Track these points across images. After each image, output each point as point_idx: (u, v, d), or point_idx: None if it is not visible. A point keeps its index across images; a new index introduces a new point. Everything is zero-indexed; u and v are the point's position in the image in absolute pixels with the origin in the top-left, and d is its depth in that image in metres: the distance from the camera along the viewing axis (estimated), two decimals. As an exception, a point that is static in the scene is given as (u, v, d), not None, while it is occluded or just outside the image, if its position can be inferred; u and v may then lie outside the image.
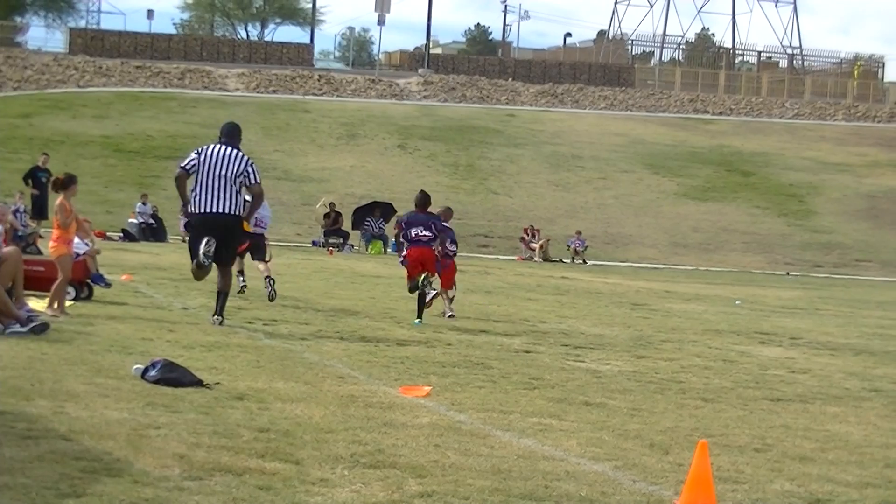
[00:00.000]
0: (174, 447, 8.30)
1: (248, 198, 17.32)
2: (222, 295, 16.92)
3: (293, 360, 13.15)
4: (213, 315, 16.70)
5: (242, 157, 16.87)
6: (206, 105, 72.14)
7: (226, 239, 16.74)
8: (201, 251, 16.43)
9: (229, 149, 16.84)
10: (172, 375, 10.86)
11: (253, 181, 16.85)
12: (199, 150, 17.05)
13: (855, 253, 59.35)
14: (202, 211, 16.68)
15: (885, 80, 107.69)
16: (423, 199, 19.82)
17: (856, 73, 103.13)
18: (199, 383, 10.84)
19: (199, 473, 7.63)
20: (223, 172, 16.59)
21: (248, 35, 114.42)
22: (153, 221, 45.03)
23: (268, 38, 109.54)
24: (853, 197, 67.93)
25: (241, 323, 16.63)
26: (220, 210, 16.61)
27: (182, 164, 17.03)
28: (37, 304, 16.38)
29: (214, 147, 16.88)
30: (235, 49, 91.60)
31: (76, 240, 18.72)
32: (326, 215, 48.56)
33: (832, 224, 63.31)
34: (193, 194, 16.77)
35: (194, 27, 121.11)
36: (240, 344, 14.15)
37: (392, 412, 10.25)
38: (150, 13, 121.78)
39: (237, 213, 16.82)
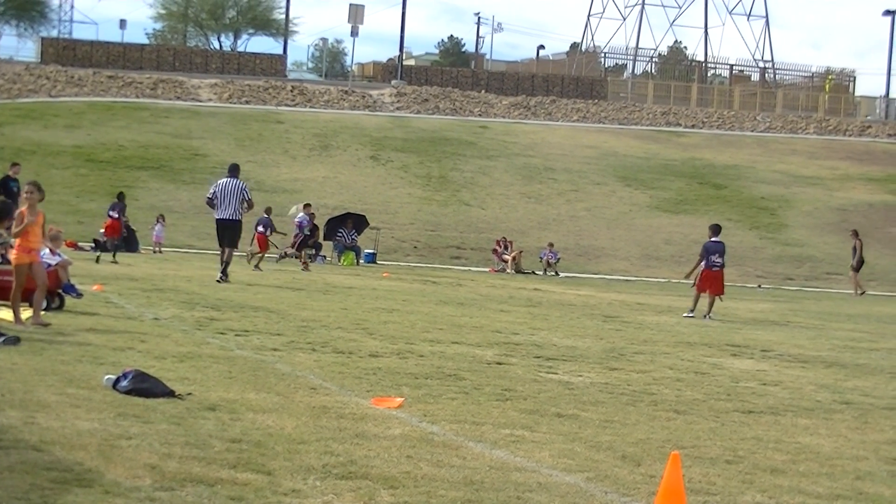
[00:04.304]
0: (145, 458, 8.27)
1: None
2: (227, 263, 28.53)
3: (265, 370, 13.12)
4: (220, 274, 28.19)
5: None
6: (179, 115, 72.08)
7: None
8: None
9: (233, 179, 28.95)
10: (144, 386, 10.81)
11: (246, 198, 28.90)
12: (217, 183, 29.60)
13: (826, 266, 59.58)
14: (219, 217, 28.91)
15: (856, 94, 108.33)
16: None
17: (827, 87, 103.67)
18: (170, 394, 10.80)
19: (171, 484, 7.61)
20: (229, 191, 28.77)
21: (220, 45, 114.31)
22: (125, 231, 44.94)
23: (241, 49, 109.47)
24: (824, 210, 68.23)
25: (213, 334, 16.59)
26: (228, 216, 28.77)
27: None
28: (7, 314, 16.32)
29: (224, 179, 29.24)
30: (208, 59, 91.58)
31: (46, 251, 18.63)
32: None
33: (803, 237, 63.56)
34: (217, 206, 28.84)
35: (167, 37, 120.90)
36: (212, 354, 14.11)
37: (364, 423, 10.24)
38: (122, 23, 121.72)
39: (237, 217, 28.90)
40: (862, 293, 47.76)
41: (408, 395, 11.91)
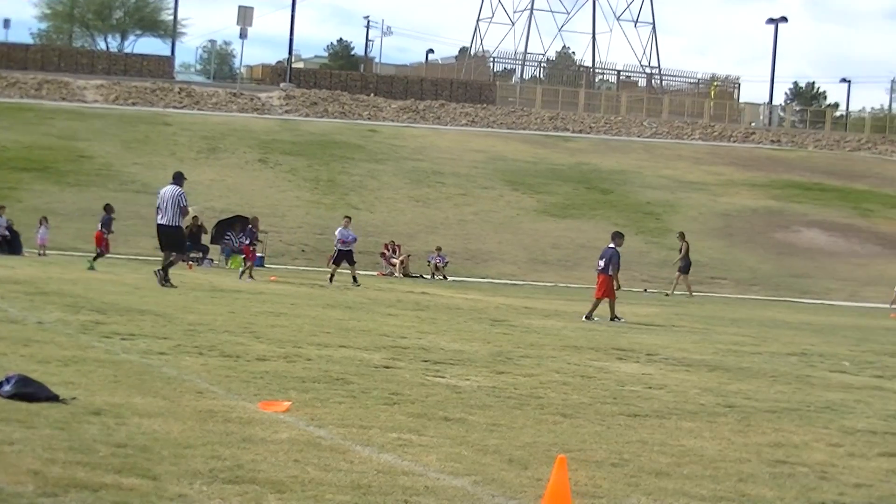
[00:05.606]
0: (28, 463, 8.16)
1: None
2: (167, 264, 29.38)
3: (151, 374, 13.01)
4: (158, 269, 29.40)
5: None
6: (64, 116, 71.21)
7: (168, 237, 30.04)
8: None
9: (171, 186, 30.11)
10: (27, 390, 10.67)
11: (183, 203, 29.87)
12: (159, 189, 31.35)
13: (710, 270, 60.27)
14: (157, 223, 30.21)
15: (741, 100, 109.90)
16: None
17: (712, 93, 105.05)
18: (54, 398, 10.67)
19: (54, 489, 7.52)
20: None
21: (107, 46, 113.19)
22: (8, 234, 44.35)
23: (128, 50, 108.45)
24: (709, 215, 69.06)
25: (98, 337, 16.40)
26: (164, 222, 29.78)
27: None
28: None
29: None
30: (95, 60, 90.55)
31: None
32: (189, 228, 48.18)
33: (688, 242, 64.20)
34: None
35: (52, 37, 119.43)
36: (97, 358, 13.96)
37: (251, 427, 10.19)
38: (6, 22, 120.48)
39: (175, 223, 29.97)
40: (690, 295, 48.57)
41: (295, 399, 11.87)
